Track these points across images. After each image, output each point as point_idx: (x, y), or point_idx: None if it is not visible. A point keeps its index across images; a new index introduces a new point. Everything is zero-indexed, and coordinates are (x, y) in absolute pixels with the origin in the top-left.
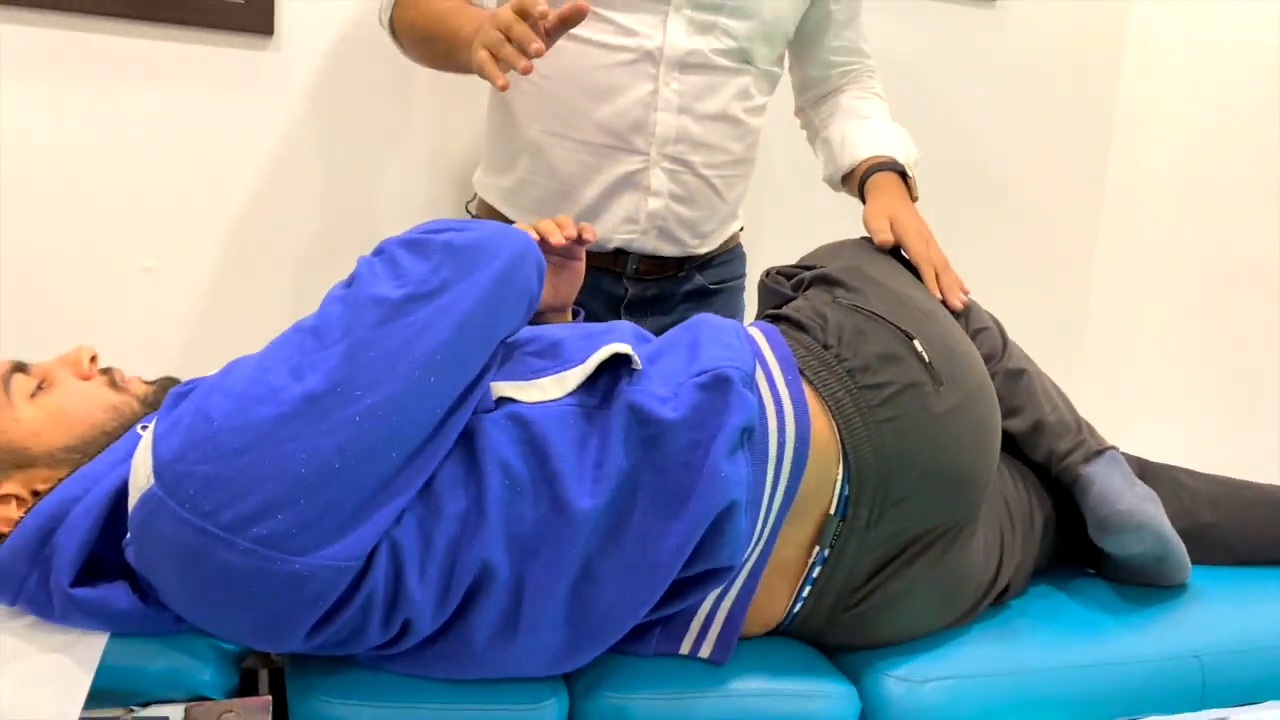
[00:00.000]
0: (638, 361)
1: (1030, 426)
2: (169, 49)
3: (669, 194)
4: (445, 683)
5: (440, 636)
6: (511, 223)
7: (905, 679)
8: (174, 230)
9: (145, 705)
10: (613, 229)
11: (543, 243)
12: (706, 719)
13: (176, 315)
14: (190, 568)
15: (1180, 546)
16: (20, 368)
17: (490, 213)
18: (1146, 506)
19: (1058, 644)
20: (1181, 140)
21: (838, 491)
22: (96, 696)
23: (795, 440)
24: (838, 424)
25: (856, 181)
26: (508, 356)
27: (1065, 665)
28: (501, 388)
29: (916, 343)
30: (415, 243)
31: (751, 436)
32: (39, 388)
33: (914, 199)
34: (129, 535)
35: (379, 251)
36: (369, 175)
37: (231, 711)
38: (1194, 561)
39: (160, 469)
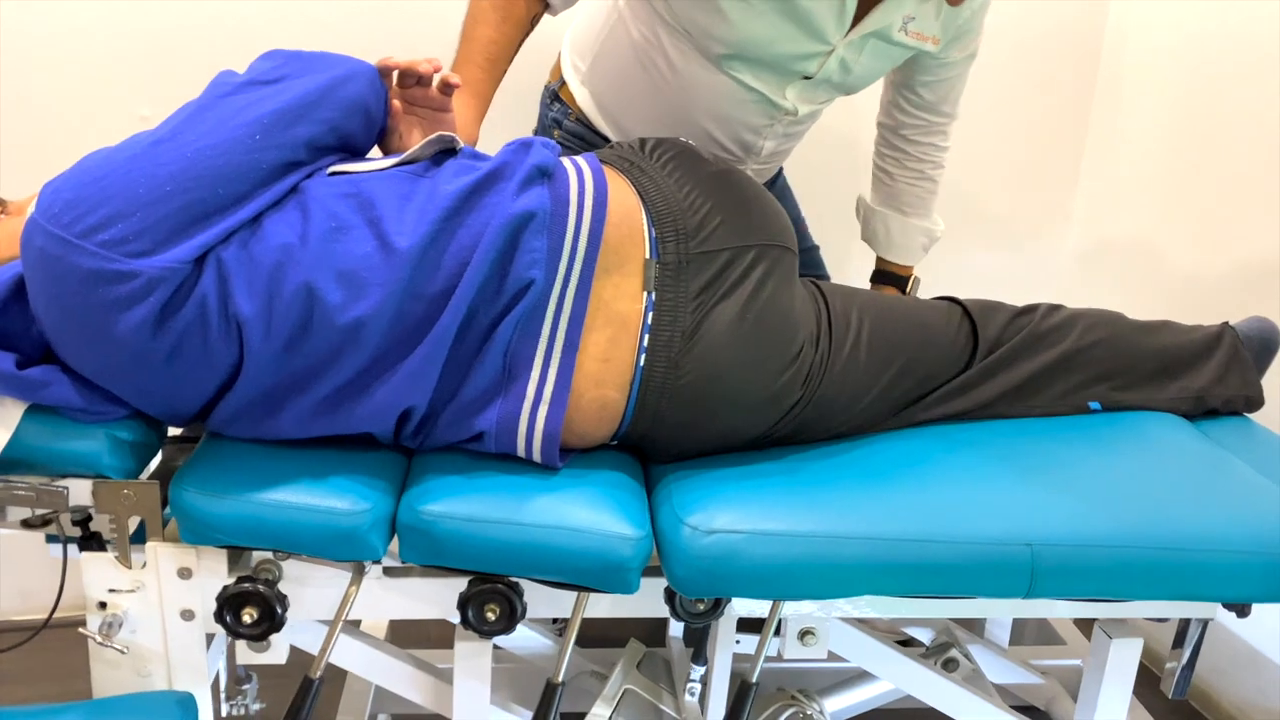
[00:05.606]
0: (461, 143)
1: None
2: None
3: None
4: (282, 478)
5: (286, 363)
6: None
7: (695, 526)
8: (167, 83)
9: (57, 479)
10: None
11: (410, 87)
12: (503, 544)
13: None
14: (54, 274)
15: None
16: None
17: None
18: None
19: (878, 511)
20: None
21: (647, 235)
22: (11, 465)
23: (594, 187)
24: (632, 181)
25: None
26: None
27: (880, 536)
28: (339, 167)
29: (683, 138)
30: (269, 53)
31: (551, 178)
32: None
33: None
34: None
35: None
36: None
37: (127, 490)
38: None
39: (40, 201)
